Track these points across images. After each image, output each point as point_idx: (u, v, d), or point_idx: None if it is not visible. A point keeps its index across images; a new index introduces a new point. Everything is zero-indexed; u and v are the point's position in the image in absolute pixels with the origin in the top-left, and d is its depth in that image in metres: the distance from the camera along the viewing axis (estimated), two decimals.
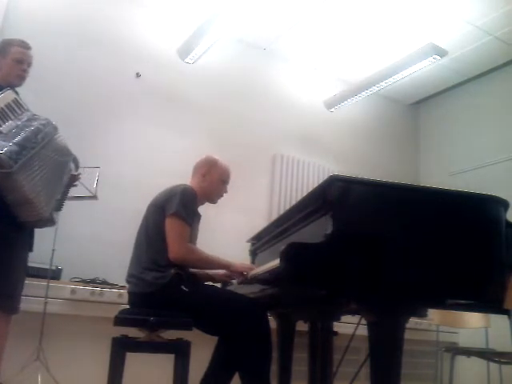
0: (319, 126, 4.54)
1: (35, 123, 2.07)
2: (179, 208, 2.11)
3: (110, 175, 2.91)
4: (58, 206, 2.22)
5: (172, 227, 2.11)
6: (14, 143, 1.90)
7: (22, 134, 1.96)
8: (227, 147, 3.81)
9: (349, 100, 4.42)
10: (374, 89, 4.21)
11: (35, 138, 2.01)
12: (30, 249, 2.22)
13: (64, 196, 2.27)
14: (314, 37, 4.14)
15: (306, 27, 4.01)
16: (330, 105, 4.56)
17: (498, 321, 2.79)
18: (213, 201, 2.43)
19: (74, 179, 2.32)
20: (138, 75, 3.72)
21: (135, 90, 3.69)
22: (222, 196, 2.44)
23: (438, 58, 3.72)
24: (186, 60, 3.87)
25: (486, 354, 2.93)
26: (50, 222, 2.13)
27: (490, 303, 1.59)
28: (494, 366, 3.25)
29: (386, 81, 4.07)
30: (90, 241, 3.15)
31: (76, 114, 3.27)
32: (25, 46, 2.25)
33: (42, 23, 3.35)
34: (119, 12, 3.76)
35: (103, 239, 3.20)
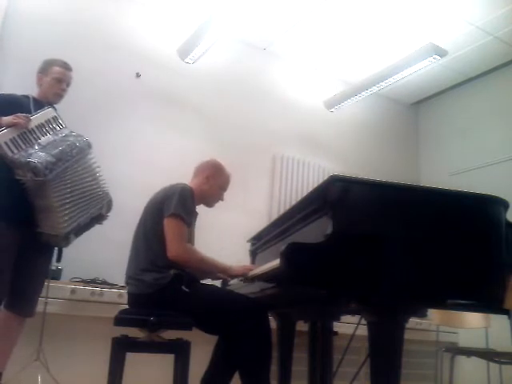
0: (319, 126, 4.54)
1: (71, 139, 2.26)
2: (178, 208, 2.10)
3: (110, 175, 2.90)
4: (78, 232, 2.30)
5: (171, 227, 2.10)
6: (51, 155, 2.08)
7: (59, 148, 2.15)
8: (227, 147, 3.82)
9: (349, 100, 4.42)
10: (374, 89, 4.21)
11: (70, 152, 2.20)
12: (58, 259, 2.39)
13: (86, 226, 2.35)
14: (314, 37, 4.14)
15: (306, 27, 4.01)
16: (330, 105, 4.56)
17: (498, 321, 2.79)
18: (209, 205, 2.42)
19: (101, 218, 2.44)
20: (137, 75, 3.72)
21: (135, 89, 3.69)
22: (217, 202, 2.44)
23: (438, 57, 3.71)
24: (186, 60, 3.86)
25: (486, 354, 2.92)
26: (64, 241, 2.21)
27: (489, 303, 1.59)
28: (493, 365, 3.25)
29: (386, 81, 4.07)
30: (90, 241, 3.12)
31: (76, 114, 3.24)
32: (66, 67, 2.43)
33: (41, 24, 3.35)
34: (119, 12, 3.76)
35: (103, 239, 3.19)
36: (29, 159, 1.99)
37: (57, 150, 2.12)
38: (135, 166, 3.53)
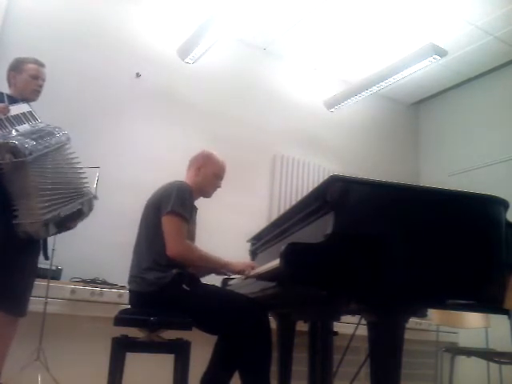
0: (319, 126, 4.54)
1: (49, 129, 2.23)
2: (176, 205, 2.11)
3: (110, 175, 2.90)
4: (60, 225, 2.14)
5: (169, 225, 2.10)
6: (31, 138, 2.05)
7: (38, 134, 2.13)
8: (227, 147, 3.78)
9: (349, 100, 4.42)
10: (374, 89, 4.21)
11: (50, 139, 2.17)
12: (46, 257, 2.29)
13: (67, 221, 2.19)
14: (314, 37, 4.14)
15: (306, 27, 4.01)
16: (330, 105, 4.56)
17: (498, 321, 2.79)
18: (207, 194, 2.41)
19: (81, 215, 2.27)
20: (137, 75, 3.72)
21: (135, 89, 3.69)
22: (215, 190, 2.42)
23: (438, 57, 3.71)
24: (186, 60, 3.86)
25: (486, 354, 2.93)
26: (43, 229, 2.05)
27: (489, 303, 1.59)
28: (493, 365, 3.25)
29: (386, 81, 4.07)
30: (90, 241, 3.14)
31: (76, 114, 3.27)
32: (39, 64, 2.39)
33: (41, 24, 3.35)
34: (119, 12, 3.76)
35: (103, 239, 3.20)
36: (7, 140, 1.93)
37: (36, 135, 2.09)
38: (135, 166, 3.52)
